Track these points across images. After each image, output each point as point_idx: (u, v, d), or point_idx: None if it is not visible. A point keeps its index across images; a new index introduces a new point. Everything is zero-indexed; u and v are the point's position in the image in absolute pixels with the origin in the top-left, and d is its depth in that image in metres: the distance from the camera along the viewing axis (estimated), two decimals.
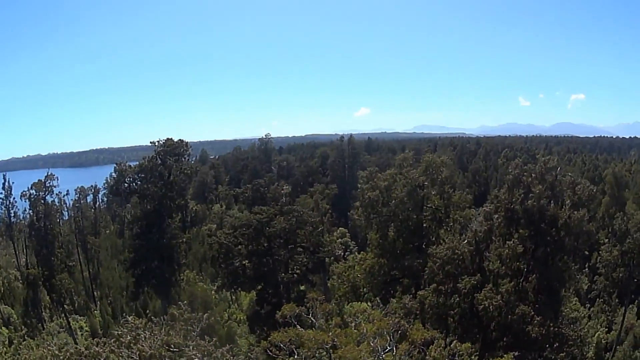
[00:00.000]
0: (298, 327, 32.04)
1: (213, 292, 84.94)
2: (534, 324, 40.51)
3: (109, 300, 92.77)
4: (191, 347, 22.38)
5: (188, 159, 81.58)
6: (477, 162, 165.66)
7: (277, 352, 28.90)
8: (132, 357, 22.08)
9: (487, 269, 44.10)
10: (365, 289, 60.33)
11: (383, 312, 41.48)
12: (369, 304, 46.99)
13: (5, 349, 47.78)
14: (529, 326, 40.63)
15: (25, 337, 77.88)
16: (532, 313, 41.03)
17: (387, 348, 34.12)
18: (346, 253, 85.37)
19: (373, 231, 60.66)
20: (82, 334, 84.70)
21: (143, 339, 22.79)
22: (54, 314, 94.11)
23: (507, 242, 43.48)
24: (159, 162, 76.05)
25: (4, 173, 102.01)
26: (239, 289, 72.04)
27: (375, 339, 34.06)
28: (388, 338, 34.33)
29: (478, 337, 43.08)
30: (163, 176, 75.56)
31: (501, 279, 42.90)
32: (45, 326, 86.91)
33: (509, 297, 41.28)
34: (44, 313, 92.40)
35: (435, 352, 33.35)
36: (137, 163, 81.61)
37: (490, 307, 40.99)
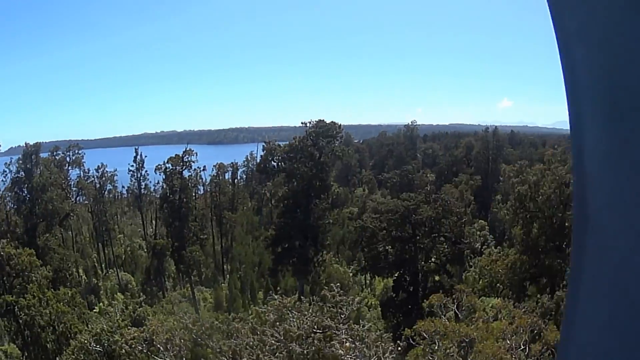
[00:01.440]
0: (444, 317, 32.44)
1: (351, 275, 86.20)
2: None
3: (238, 274, 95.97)
4: (343, 330, 22.17)
5: (340, 141, 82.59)
6: None
7: (421, 340, 29.37)
8: (276, 337, 22.00)
9: None
10: (503, 285, 59.62)
11: (522, 310, 40.97)
12: (506, 300, 46.34)
13: (120, 315, 51.26)
14: None
15: (143, 304, 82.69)
16: None
17: (520, 347, 33.91)
18: (483, 247, 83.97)
19: (518, 226, 60.24)
20: (205, 306, 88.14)
21: (291, 319, 22.70)
22: (178, 284, 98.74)
23: None
24: (310, 142, 77.57)
25: (136, 147, 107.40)
26: (377, 274, 72.83)
27: (513, 337, 33.89)
28: (524, 336, 34.02)
29: None
30: (314, 157, 76.85)
31: None
32: (166, 295, 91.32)
33: None
34: (167, 282, 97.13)
35: None
36: (287, 143, 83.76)
37: None
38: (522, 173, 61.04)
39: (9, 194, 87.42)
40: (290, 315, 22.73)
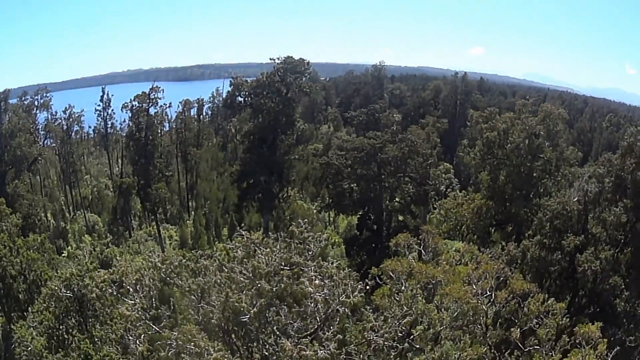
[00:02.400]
0: (410, 257, 32.57)
1: (315, 211, 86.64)
2: (621, 298, 40.16)
3: (203, 211, 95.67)
4: (311, 268, 22.05)
5: (307, 78, 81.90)
6: (582, 121, 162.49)
7: (387, 280, 29.47)
8: (245, 274, 21.82)
9: (590, 232, 43.37)
10: (468, 229, 60.53)
11: (489, 256, 41.54)
12: (471, 244, 46.98)
13: (88, 257, 51.05)
14: (616, 299, 40.33)
15: (110, 245, 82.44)
16: (623, 287, 40.63)
17: (486, 293, 34.39)
18: (448, 190, 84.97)
19: (485, 172, 60.91)
20: (170, 244, 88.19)
21: (259, 255, 22.43)
22: (144, 222, 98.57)
23: (614, 208, 42.74)
24: (278, 78, 76.75)
25: (103, 86, 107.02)
26: (341, 211, 73.28)
27: (479, 282, 34.30)
28: (490, 282, 34.45)
29: (568, 300, 42.69)
30: (281, 92, 76.26)
31: (601, 245, 42.20)
32: (132, 234, 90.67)
33: (606, 265, 40.84)
34: (133, 221, 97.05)
35: (532, 305, 33.24)
36: (253, 79, 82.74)
37: (589, 271, 40.88)
38: (491, 120, 61.15)
39: None
40: (259, 251, 22.32)
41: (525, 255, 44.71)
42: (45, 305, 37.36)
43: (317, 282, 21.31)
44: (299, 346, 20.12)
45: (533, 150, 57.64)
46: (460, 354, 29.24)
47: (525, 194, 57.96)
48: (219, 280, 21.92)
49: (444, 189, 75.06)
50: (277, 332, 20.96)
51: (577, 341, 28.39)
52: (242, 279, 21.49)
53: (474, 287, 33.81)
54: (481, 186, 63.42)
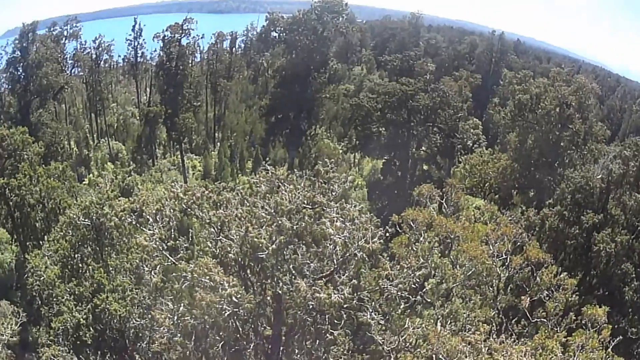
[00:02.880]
0: (431, 209, 32.42)
1: (340, 152, 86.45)
2: (630, 287, 40.23)
3: (229, 143, 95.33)
4: (334, 209, 21.57)
5: (344, 19, 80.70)
6: (613, 99, 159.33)
7: (407, 229, 29.38)
8: (266, 209, 21.51)
9: (609, 212, 43.13)
10: (491, 188, 60.27)
11: (508, 219, 41.29)
12: (491, 203, 46.71)
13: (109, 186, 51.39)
14: (626, 287, 40.34)
15: (132, 173, 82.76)
16: (633, 275, 40.69)
17: (502, 255, 34.25)
18: (475, 145, 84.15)
19: (514, 134, 60.40)
20: (193, 174, 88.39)
21: (283, 192, 21.95)
22: (168, 152, 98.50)
23: (635, 194, 42.71)
24: (314, 16, 75.71)
25: (136, 16, 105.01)
26: (367, 154, 72.95)
27: (496, 243, 34.15)
28: (507, 246, 34.28)
29: (579, 277, 42.61)
30: (316, 30, 75.41)
31: (618, 228, 41.89)
32: (156, 163, 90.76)
33: (621, 249, 40.71)
34: (157, 150, 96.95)
35: (545, 276, 33.14)
36: (290, 15, 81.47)
37: (603, 252, 41.04)
38: (524, 82, 60.28)
39: (4, 75, 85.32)
40: (283, 188, 22.08)
41: (544, 224, 44.62)
42: (62, 233, 37.80)
43: (338, 224, 21.02)
44: (313, 288, 20.16)
45: (563, 120, 57.58)
46: (469, 314, 29.41)
47: (551, 162, 57.97)
48: (239, 214, 21.75)
49: (471, 144, 74.19)
50: (293, 272, 20.95)
51: (582, 322, 28.41)
52: (263, 214, 21.28)
53: (491, 247, 33.73)
54: (508, 147, 63.26)
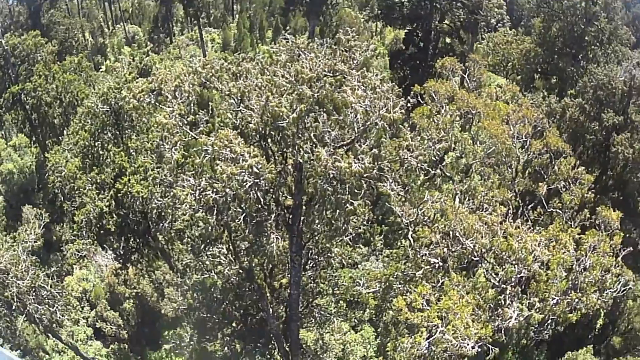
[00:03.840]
0: (454, 81, 31.76)
1: (362, 20, 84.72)
2: None
3: (248, 14, 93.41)
4: (355, 77, 21.10)
5: None
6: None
7: (428, 100, 28.90)
8: (287, 78, 21.16)
9: (630, 117, 42.48)
10: (514, 69, 59.48)
11: (530, 102, 40.61)
12: (513, 84, 45.92)
13: (127, 69, 50.78)
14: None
15: (149, 53, 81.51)
16: None
17: (522, 138, 33.82)
18: (498, 24, 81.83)
19: (539, 19, 59.02)
20: (212, 47, 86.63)
21: (303, 60, 21.52)
22: (186, 27, 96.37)
23: None
24: None
25: None
26: (389, 24, 70.87)
27: (517, 125, 33.64)
28: (528, 129, 33.78)
29: (596, 175, 42.45)
30: None
31: (637, 134, 41.51)
32: (173, 40, 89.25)
33: (638, 156, 40.43)
34: (174, 28, 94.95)
35: (563, 167, 32.81)
36: None
37: (621, 155, 40.47)
38: None
39: None
40: (303, 56, 21.57)
41: (565, 113, 44.04)
42: (80, 124, 37.68)
43: (359, 92, 20.61)
44: (334, 156, 20.00)
45: (589, 15, 55.72)
46: (487, 193, 29.32)
47: (574, 54, 56.83)
48: (260, 84, 21.39)
49: (495, 23, 72.02)
50: (314, 140, 20.77)
51: (596, 222, 28.25)
52: (283, 83, 20.92)
53: (511, 128, 33.28)
54: (532, 31, 61.83)
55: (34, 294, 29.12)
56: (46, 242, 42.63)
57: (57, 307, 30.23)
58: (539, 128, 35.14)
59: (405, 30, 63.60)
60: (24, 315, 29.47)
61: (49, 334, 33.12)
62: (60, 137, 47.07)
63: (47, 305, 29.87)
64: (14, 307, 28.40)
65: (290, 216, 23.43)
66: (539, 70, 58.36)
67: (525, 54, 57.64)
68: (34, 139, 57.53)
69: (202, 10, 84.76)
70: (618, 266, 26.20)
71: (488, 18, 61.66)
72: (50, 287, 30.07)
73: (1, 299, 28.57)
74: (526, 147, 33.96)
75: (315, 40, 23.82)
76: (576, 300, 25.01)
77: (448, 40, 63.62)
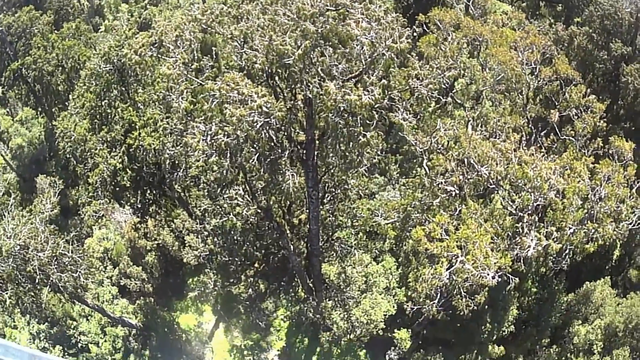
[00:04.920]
0: (459, 9, 31.34)
1: None
2: None
3: None
4: (358, 10, 20.78)
5: None
6: None
7: (434, 29, 28.52)
8: (289, 15, 20.77)
9: (638, 48, 42.27)
10: None
11: (537, 29, 39.97)
12: (519, 10, 45.00)
13: (126, 26, 50.07)
14: None
15: (148, 6, 79.28)
16: None
17: (531, 65, 33.41)
18: None
19: None
20: None
21: None
22: None
23: None
24: None
25: None
26: None
27: (525, 52, 33.22)
28: (537, 56, 33.36)
29: (607, 104, 42.14)
30: None
31: None
32: None
33: None
34: None
35: (574, 94, 32.47)
36: None
37: (631, 85, 40.42)
38: None
39: None
40: None
41: (573, 41, 43.50)
42: (85, 86, 37.49)
43: (364, 24, 20.34)
44: (343, 90, 19.84)
45: None
46: (499, 119, 29.15)
47: None
48: (262, 24, 21.10)
49: None
50: (322, 74, 20.57)
51: (609, 151, 28.00)
52: (286, 21, 20.58)
53: (520, 55, 32.94)
54: None
55: (55, 263, 29.19)
56: (63, 208, 42.98)
57: (80, 272, 30.39)
58: (547, 55, 34.90)
59: None
60: (48, 286, 29.52)
61: (75, 300, 33.51)
62: (66, 104, 46.86)
63: (70, 272, 29.98)
64: (37, 280, 28.47)
65: (304, 152, 23.46)
66: None
67: None
68: (40, 110, 57.16)
69: None
70: (633, 198, 26.23)
71: None
72: (72, 252, 30.06)
73: (24, 274, 28.63)
74: (536, 73, 33.71)
75: None
76: (592, 230, 25.21)
77: None
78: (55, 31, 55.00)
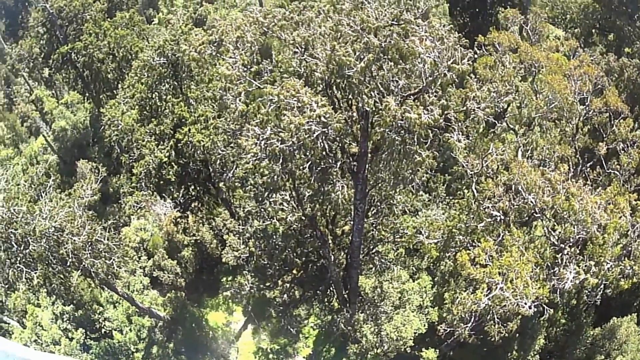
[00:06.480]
0: (516, 34, 31.20)
1: None
2: None
3: None
4: (423, 27, 20.70)
5: None
6: None
7: (492, 50, 28.41)
8: (352, 27, 20.73)
9: None
10: (573, 22, 57.93)
11: (591, 58, 39.64)
12: (573, 38, 44.61)
13: (181, 20, 50.29)
14: None
15: (203, 3, 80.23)
16: None
17: (583, 94, 33.12)
18: None
19: None
20: None
21: (369, 9, 21.10)
22: None
23: None
24: None
25: None
26: None
27: (578, 82, 32.95)
28: (589, 86, 33.08)
29: None
30: None
31: None
32: None
33: None
34: None
35: (622, 128, 32.20)
36: None
37: None
38: None
39: None
40: (367, 4, 21.21)
41: (623, 73, 42.92)
42: (137, 77, 37.67)
43: (427, 42, 20.27)
44: (403, 107, 19.76)
45: None
46: (549, 147, 28.93)
47: (631, 13, 54.59)
48: (324, 32, 21.14)
49: None
50: (381, 88, 20.57)
51: None
52: (349, 32, 20.59)
53: (572, 84, 32.76)
54: None
55: (90, 248, 29.05)
56: (103, 194, 43.35)
57: (113, 260, 30.28)
58: (599, 86, 34.61)
59: None
60: (79, 270, 29.40)
61: (104, 287, 33.54)
62: (114, 92, 47.30)
63: (103, 259, 29.88)
64: (68, 263, 28.43)
65: (355, 164, 23.41)
66: (597, 25, 56.88)
67: (583, 9, 56.19)
68: (86, 95, 57.90)
69: None
70: None
71: None
72: (107, 240, 29.97)
73: (55, 256, 28.48)
74: (586, 104, 33.49)
75: None
76: (629, 267, 24.95)
77: None
78: (108, 19, 55.73)
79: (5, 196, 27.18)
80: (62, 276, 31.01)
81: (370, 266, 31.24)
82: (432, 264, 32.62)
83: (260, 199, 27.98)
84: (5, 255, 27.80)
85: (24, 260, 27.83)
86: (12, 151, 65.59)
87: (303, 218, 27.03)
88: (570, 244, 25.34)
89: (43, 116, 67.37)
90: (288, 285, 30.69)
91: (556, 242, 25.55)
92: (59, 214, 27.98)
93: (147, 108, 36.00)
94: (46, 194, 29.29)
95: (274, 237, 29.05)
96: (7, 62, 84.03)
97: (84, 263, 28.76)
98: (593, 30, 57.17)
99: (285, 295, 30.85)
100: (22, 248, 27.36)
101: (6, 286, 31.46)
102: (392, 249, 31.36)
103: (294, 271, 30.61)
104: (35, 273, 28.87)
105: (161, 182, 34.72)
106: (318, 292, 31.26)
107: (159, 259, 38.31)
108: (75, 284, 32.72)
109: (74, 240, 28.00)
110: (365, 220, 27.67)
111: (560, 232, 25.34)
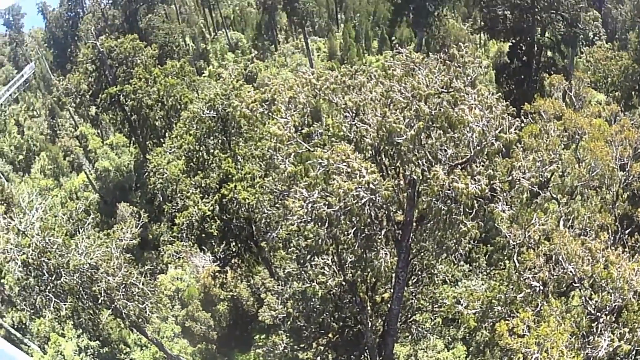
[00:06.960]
0: (560, 100, 31.42)
1: (466, 32, 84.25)
2: None
3: (353, 23, 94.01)
4: (472, 95, 20.83)
5: None
6: None
7: (537, 118, 28.58)
8: (403, 93, 20.90)
9: None
10: (614, 85, 58.34)
11: (631, 122, 39.66)
12: (614, 102, 44.69)
13: (232, 76, 50.73)
14: None
15: (254, 60, 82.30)
16: None
17: (624, 160, 32.96)
18: (595, 37, 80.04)
19: (634, 34, 57.89)
20: (318, 56, 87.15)
21: (420, 76, 21.14)
22: (290, 36, 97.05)
23: None
24: None
25: None
26: (493, 37, 70.35)
27: (619, 148, 32.86)
28: (629, 151, 32.94)
29: None
30: None
31: None
32: (278, 48, 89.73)
33: None
34: (278, 35, 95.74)
35: None
36: None
37: None
38: None
39: None
40: (418, 71, 21.45)
41: None
42: (185, 128, 38.18)
43: (477, 111, 20.47)
44: (451, 177, 19.83)
45: None
46: (590, 216, 28.73)
47: None
48: (375, 97, 21.40)
49: (592, 36, 70.70)
50: (429, 157, 20.76)
51: None
52: (400, 98, 20.83)
53: (614, 150, 32.73)
54: (629, 46, 60.39)
55: (124, 290, 29.37)
56: (142, 239, 44.02)
57: (146, 304, 30.51)
58: (639, 150, 34.51)
59: (509, 44, 63.05)
60: (110, 310, 29.67)
61: (134, 329, 33.56)
62: (161, 139, 47.90)
63: (136, 302, 30.14)
64: (100, 301, 28.69)
65: (400, 232, 23.43)
66: (636, 87, 57.11)
67: (623, 71, 56.55)
68: (133, 139, 58.44)
69: (306, 19, 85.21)
70: None
71: (586, 31, 60.60)
72: (142, 284, 30.31)
73: (87, 292, 28.83)
74: (626, 169, 33.36)
75: (427, 53, 23.51)
76: None
77: (549, 54, 62.80)
78: (158, 66, 56.56)
79: (42, 225, 27.60)
80: (91, 312, 31.24)
81: (407, 334, 30.92)
82: (468, 334, 32.25)
83: (302, 261, 27.99)
84: (35, 282, 28.17)
85: (53, 290, 28.25)
86: (52, 182, 66.39)
87: (343, 283, 26.97)
88: (607, 312, 25.11)
89: (86, 153, 68.54)
90: (322, 348, 30.40)
91: (592, 311, 25.29)
92: (95, 251, 28.42)
93: (194, 160, 36.46)
94: (84, 230, 29.76)
95: (313, 299, 28.96)
96: (53, 94, 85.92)
97: (115, 303, 29.02)
98: (633, 93, 57.42)
99: (318, 358, 30.56)
100: (53, 278, 27.75)
101: (32, 311, 31.92)
102: (430, 318, 31.10)
103: (330, 335, 30.30)
104: (65, 304, 29.32)
105: (203, 234, 35.08)
106: (352, 357, 30.95)
107: (193, 309, 38.38)
108: (104, 322, 32.83)
109: (108, 280, 28.39)
110: (405, 288, 27.54)
111: (597, 301, 25.12)
